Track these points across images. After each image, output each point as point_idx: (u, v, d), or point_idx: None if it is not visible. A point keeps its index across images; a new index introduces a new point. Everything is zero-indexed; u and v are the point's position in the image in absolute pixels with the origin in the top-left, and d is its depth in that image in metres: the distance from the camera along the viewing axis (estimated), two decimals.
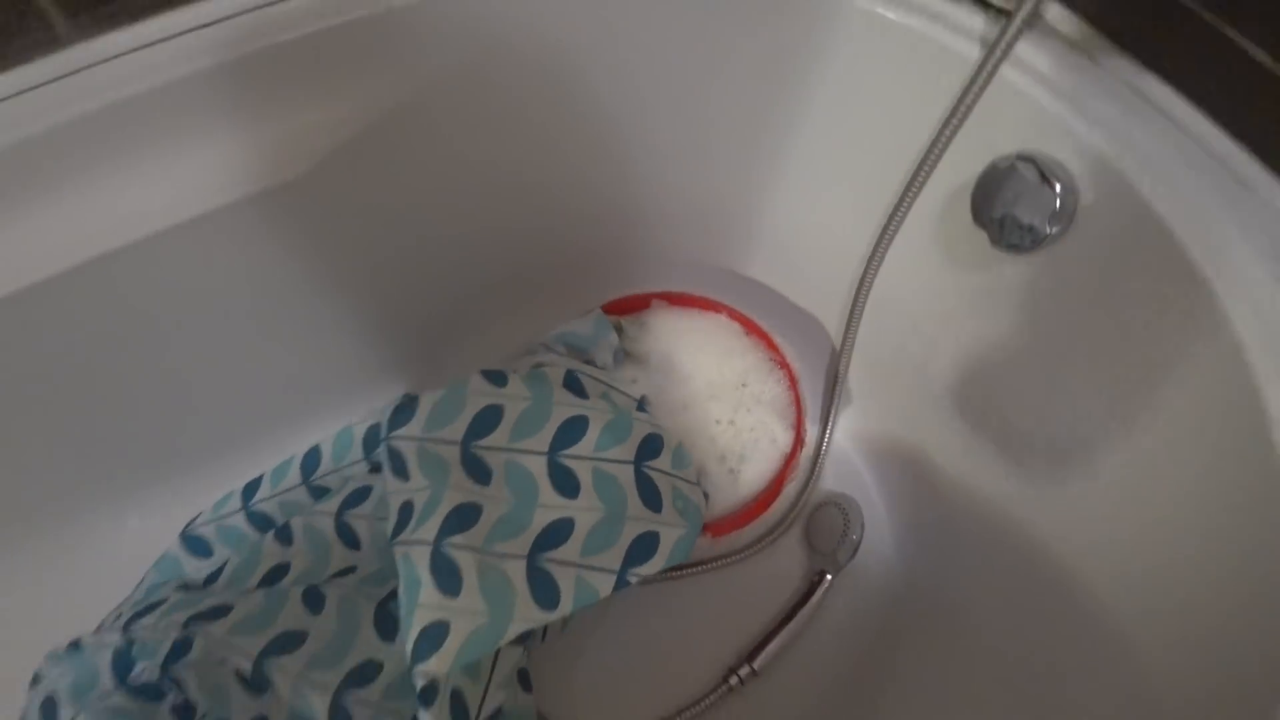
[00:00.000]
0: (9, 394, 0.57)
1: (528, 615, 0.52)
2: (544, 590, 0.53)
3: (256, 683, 0.60)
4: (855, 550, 0.68)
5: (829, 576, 0.67)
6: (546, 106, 0.59)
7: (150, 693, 0.63)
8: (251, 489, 0.76)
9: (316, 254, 0.60)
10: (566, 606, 0.53)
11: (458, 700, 0.54)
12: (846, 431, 0.74)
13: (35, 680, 0.66)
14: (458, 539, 0.53)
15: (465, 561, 0.53)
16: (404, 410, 0.61)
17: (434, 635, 0.50)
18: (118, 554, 0.75)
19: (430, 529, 0.54)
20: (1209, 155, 0.43)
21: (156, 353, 0.60)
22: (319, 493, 0.75)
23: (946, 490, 0.65)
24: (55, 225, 0.48)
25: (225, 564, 0.73)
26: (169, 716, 0.63)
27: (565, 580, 0.54)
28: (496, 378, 0.62)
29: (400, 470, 0.59)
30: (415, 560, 0.53)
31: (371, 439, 0.74)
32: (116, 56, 0.47)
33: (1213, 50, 0.43)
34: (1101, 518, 0.47)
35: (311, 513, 0.71)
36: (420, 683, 0.50)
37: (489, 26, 0.52)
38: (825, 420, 0.73)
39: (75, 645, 0.67)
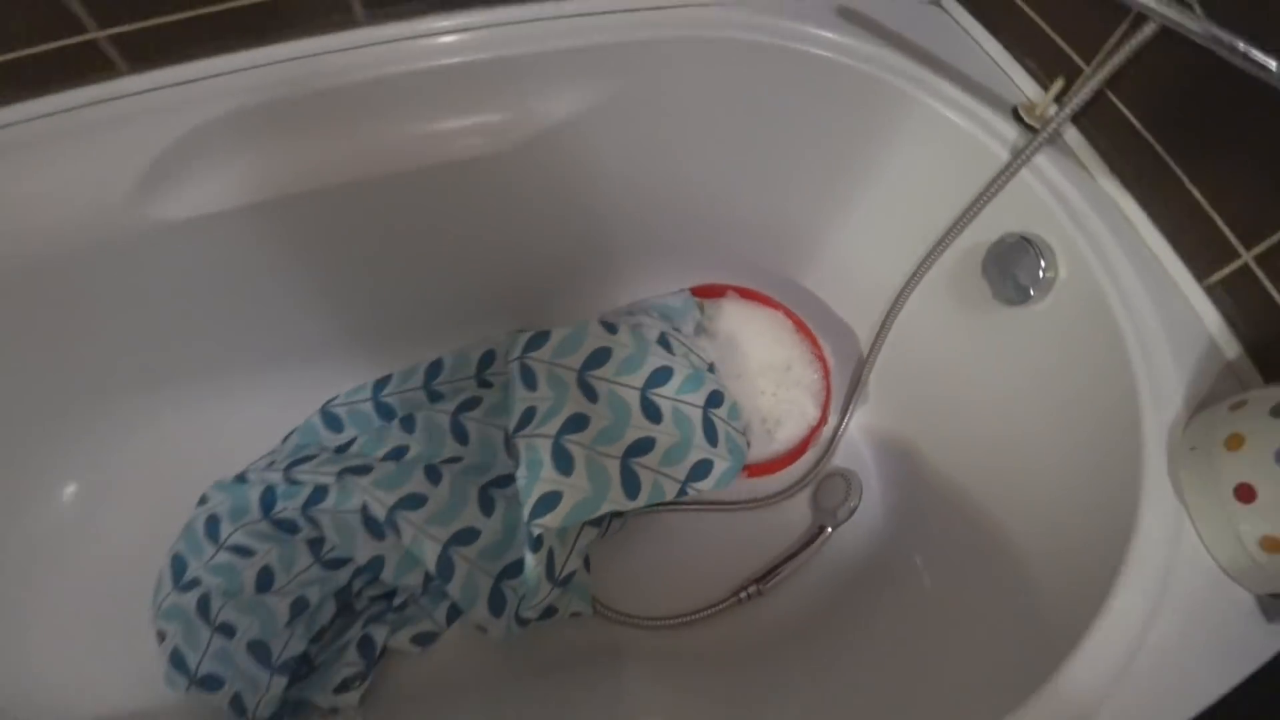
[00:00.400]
0: (250, 275, 0.77)
1: (616, 499, 0.72)
2: (629, 484, 0.73)
3: (379, 529, 0.80)
4: (851, 513, 0.87)
5: (828, 530, 0.87)
6: (690, 139, 0.79)
7: (288, 527, 0.84)
8: (381, 385, 0.95)
9: (490, 211, 0.80)
10: (643, 499, 0.73)
11: (550, 556, 0.74)
12: (860, 422, 0.94)
13: (202, 500, 0.87)
14: (572, 437, 0.74)
15: (577, 453, 0.73)
16: (538, 340, 0.81)
17: (549, 501, 0.71)
18: (273, 413, 0.93)
19: (552, 427, 0.74)
20: (1151, 254, 0.63)
21: (372, 256, 0.79)
22: (435, 396, 0.94)
23: (929, 477, 0.84)
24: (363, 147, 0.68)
25: (354, 439, 0.93)
26: (303, 545, 0.83)
27: (645, 480, 0.74)
28: (610, 327, 0.82)
29: (530, 383, 0.79)
30: (539, 448, 0.73)
31: (485, 360, 0.94)
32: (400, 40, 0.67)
33: (1170, 185, 0.63)
34: (1026, 488, 0.67)
35: (431, 410, 0.91)
36: (535, 533, 0.70)
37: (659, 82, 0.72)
38: (845, 410, 0.92)
39: (241, 478, 0.87)
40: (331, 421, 0.94)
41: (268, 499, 0.84)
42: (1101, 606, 0.48)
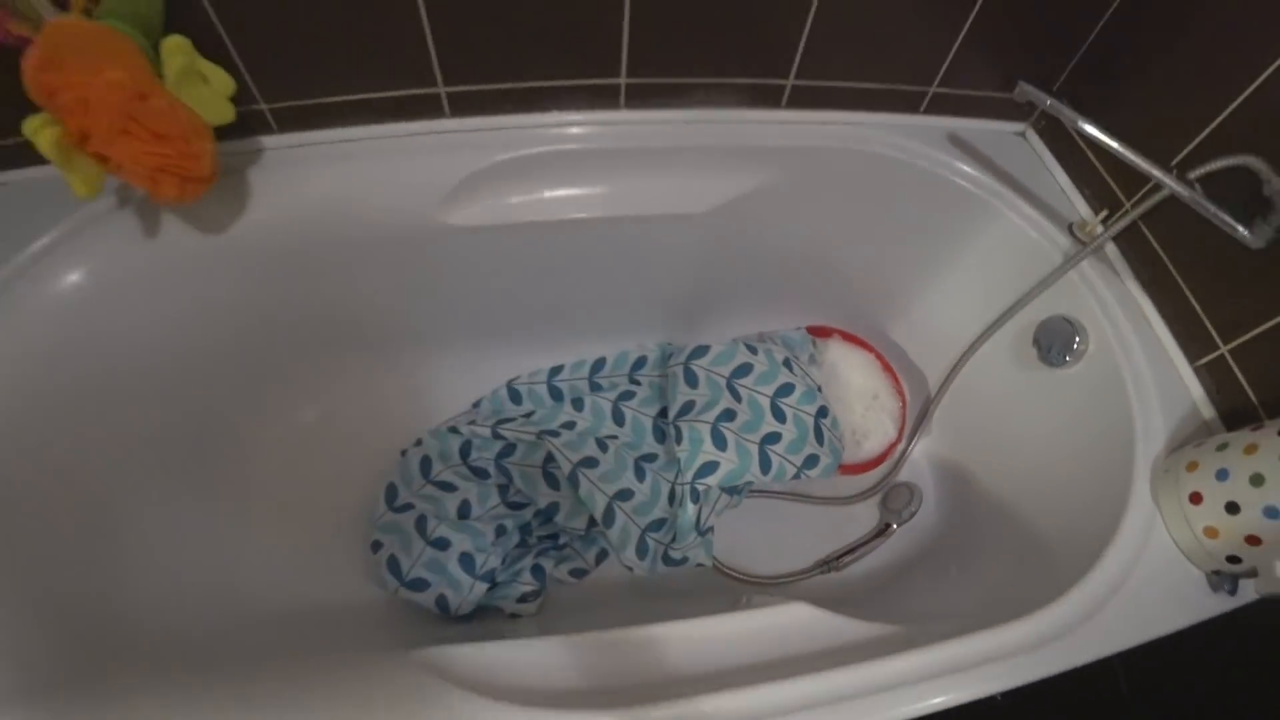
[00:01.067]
0: (490, 275, 1.07)
1: (755, 474, 1.00)
2: (764, 463, 1.01)
3: (555, 481, 1.07)
4: (912, 516, 1.13)
5: (894, 526, 1.13)
6: (827, 218, 1.09)
7: (480, 473, 1.11)
8: (555, 371, 1.23)
9: (675, 251, 1.09)
10: (772, 476, 1.01)
11: (699, 510, 1.01)
12: (923, 446, 1.20)
13: (418, 442, 1.14)
14: (725, 425, 1.02)
15: (729, 437, 1.01)
16: (699, 351, 1.10)
17: (709, 468, 0.98)
18: (468, 381, 1.22)
19: (710, 416, 1.02)
20: (1157, 340, 0.90)
21: (576, 271, 1.08)
22: (596, 387, 1.22)
23: (975, 491, 1.11)
24: (598, 194, 0.98)
25: (533, 411, 1.20)
26: (493, 488, 1.11)
27: (774, 462, 1.02)
28: (751, 349, 1.11)
29: (692, 382, 1.07)
30: (700, 430, 1.01)
31: (638, 364, 1.23)
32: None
33: (1175, 292, 0.90)
34: (1049, 497, 0.93)
35: (594, 396, 1.19)
36: (700, 489, 0.98)
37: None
38: (913, 435, 1.19)
39: (453, 429, 1.15)
40: (514, 395, 1.22)
41: (465, 449, 1.12)
42: (1094, 566, 0.74)
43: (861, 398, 1.17)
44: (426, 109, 0.93)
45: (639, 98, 0.98)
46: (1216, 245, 0.81)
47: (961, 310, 1.13)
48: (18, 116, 0.69)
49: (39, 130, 0.67)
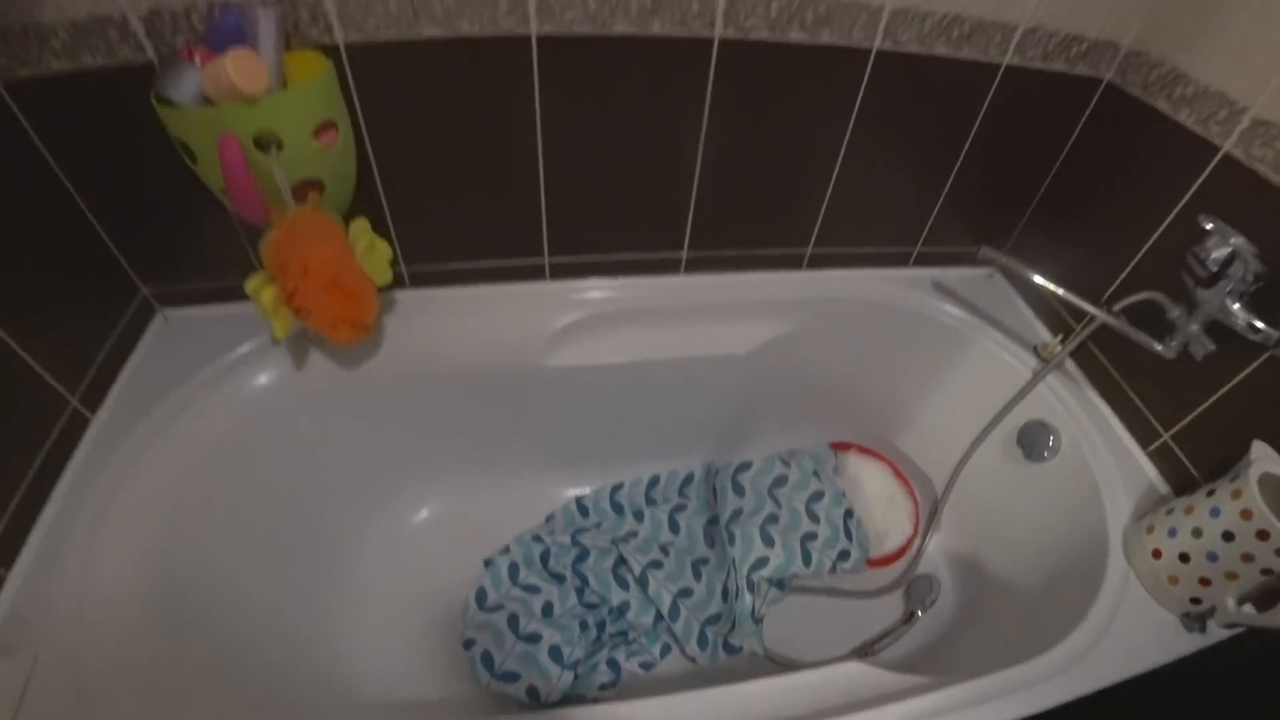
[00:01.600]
0: (572, 406, 1.30)
1: (799, 567, 1.18)
2: (806, 557, 1.20)
3: (625, 582, 1.24)
4: (934, 603, 1.30)
5: (919, 614, 1.29)
6: (843, 353, 1.33)
7: (558, 578, 1.28)
8: (617, 488, 1.43)
9: (722, 386, 1.32)
10: (811, 569, 1.19)
11: (754, 602, 1.18)
12: (938, 541, 1.39)
13: (505, 550, 1.31)
14: (771, 526, 1.21)
15: (775, 536, 1.20)
16: (744, 466, 1.31)
17: (761, 563, 1.17)
18: (539, 500, 1.42)
19: (757, 520, 1.22)
20: (1114, 434, 1.11)
21: (639, 403, 1.31)
22: (651, 501, 1.42)
23: (984, 574, 1.28)
24: (664, 340, 1.23)
25: (600, 523, 1.39)
26: (571, 590, 1.27)
27: (814, 555, 1.20)
28: (785, 462, 1.32)
29: (739, 492, 1.27)
30: (751, 531, 1.20)
31: (686, 480, 1.43)
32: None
33: (1122, 393, 1.13)
34: (1043, 568, 1.11)
35: (651, 509, 1.38)
36: (754, 580, 1.16)
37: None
38: (927, 532, 1.38)
39: (537, 537, 1.33)
40: (582, 509, 1.40)
41: (545, 556, 1.30)
42: (1083, 616, 0.92)
43: (880, 501, 1.37)
44: (532, 274, 1.22)
45: (696, 267, 1.26)
46: (1146, 357, 1.04)
47: (956, 422, 1.35)
48: (238, 271, 0.95)
49: (261, 288, 0.90)
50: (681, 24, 0.94)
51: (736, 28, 0.96)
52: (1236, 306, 0.87)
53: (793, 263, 1.30)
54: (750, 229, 1.22)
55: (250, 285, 0.91)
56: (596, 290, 1.24)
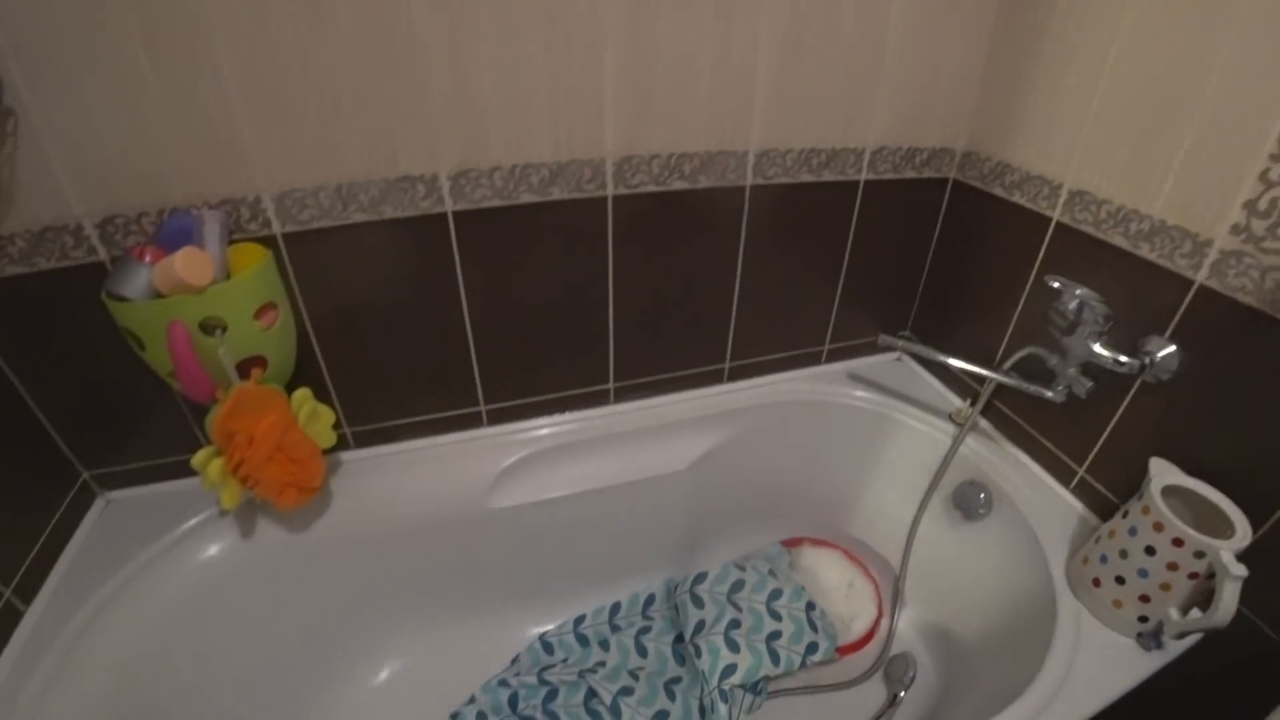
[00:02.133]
0: (523, 545, 1.31)
1: (768, 666, 1.19)
2: (774, 656, 1.21)
3: (599, 713, 1.22)
4: (913, 681, 1.31)
5: (901, 694, 1.30)
6: (780, 453, 1.40)
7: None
8: (579, 620, 1.41)
9: (665, 504, 1.37)
10: (781, 667, 1.20)
11: (732, 709, 1.18)
12: (906, 618, 1.41)
13: (471, 700, 1.28)
14: (734, 632, 1.22)
15: (740, 641, 1.21)
16: (700, 577, 1.33)
17: (730, 669, 1.17)
18: (502, 643, 1.39)
19: (720, 629, 1.23)
20: (1037, 478, 1.20)
21: (589, 531, 1.34)
22: (615, 628, 1.41)
23: (958, 646, 1.31)
24: (601, 469, 1.27)
25: (566, 658, 1.36)
26: None
27: (782, 654, 1.21)
28: (740, 567, 1.35)
29: (699, 604, 1.29)
30: (715, 642, 1.21)
31: (648, 601, 1.43)
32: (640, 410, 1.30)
33: (1034, 440, 1.22)
34: (1004, 615, 1.15)
35: (617, 636, 1.38)
36: (726, 689, 1.15)
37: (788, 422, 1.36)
38: (893, 610, 1.41)
39: (503, 682, 1.30)
40: (547, 647, 1.38)
41: (513, 700, 1.27)
42: (1046, 657, 0.96)
43: (839, 588, 1.40)
44: (470, 422, 1.27)
45: (624, 395, 1.34)
46: (1044, 404, 1.15)
47: (897, 498, 1.42)
48: (183, 448, 1.00)
49: (208, 460, 0.92)
50: (578, 188, 1.07)
51: (626, 185, 1.09)
52: (1098, 346, 0.99)
53: (714, 378, 1.39)
54: (669, 353, 1.33)
55: (197, 459, 0.93)
56: (533, 429, 1.29)
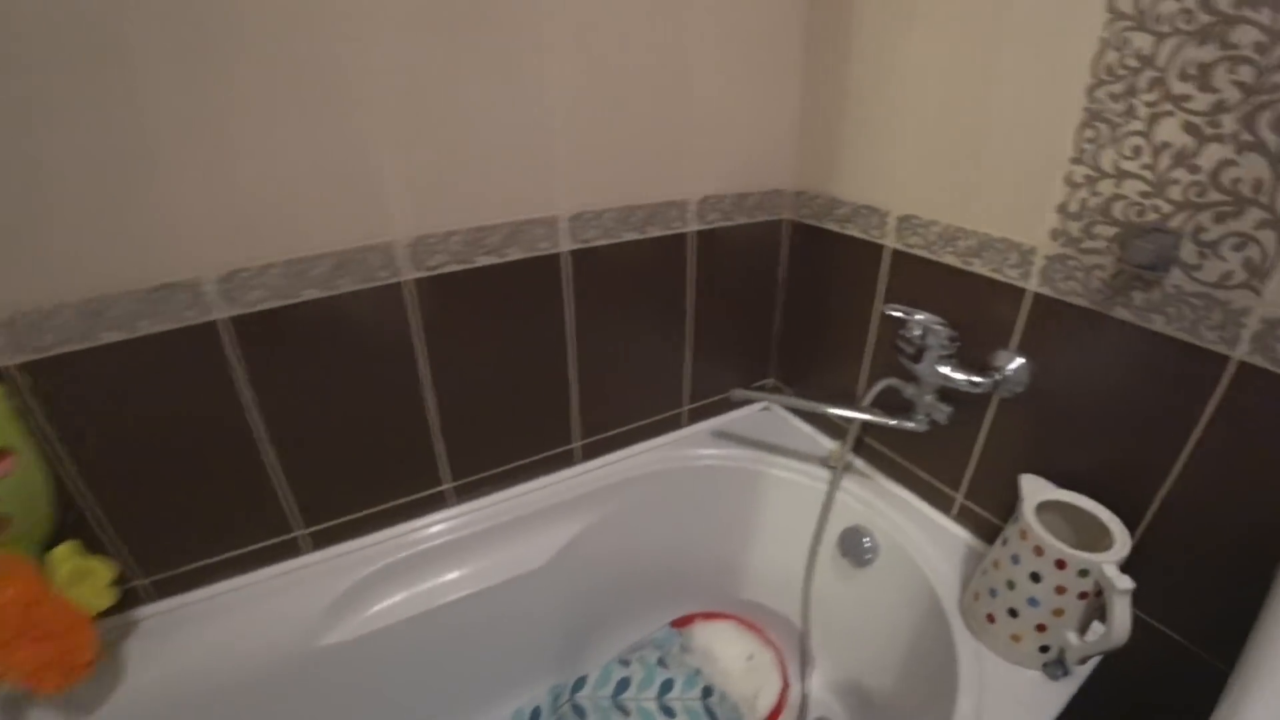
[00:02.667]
0: (374, 678, 1.13)
1: None
2: None
3: None
4: None
5: None
6: (656, 527, 1.29)
7: None
8: None
9: (536, 603, 1.23)
10: None
11: None
12: (819, 678, 1.32)
13: None
14: None
15: None
16: (579, 684, 1.19)
17: None
18: None
19: None
20: (917, 511, 1.15)
21: (443, 653, 1.17)
22: None
23: (874, 702, 1.22)
24: (448, 581, 1.12)
25: None
26: None
27: None
28: (624, 663, 1.22)
29: (581, 715, 1.15)
30: None
31: (534, 716, 1.26)
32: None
33: (909, 472, 1.18)
34: (906, 662, 1.07)
35: None
36: None
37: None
38: (803, 673, 1.31)
39: None
40: None
41: None
42: (954, 702, 0.89)
43: (738, 663, 1.29)
44: (289, 550, 1.08)
45: (466, 494, 1.19)
46: (911, 435, 1.11)
47: (786, 554, 1.34)
48: None
49: None
50: (369, 277, 0.95)
51: (425, 268, 0.99)
52: (948, 370, 0.96)
53: (565, 460, 1.28)
54: (509, 442, 1.20)
55: None
56: (365, 548, 1.12)
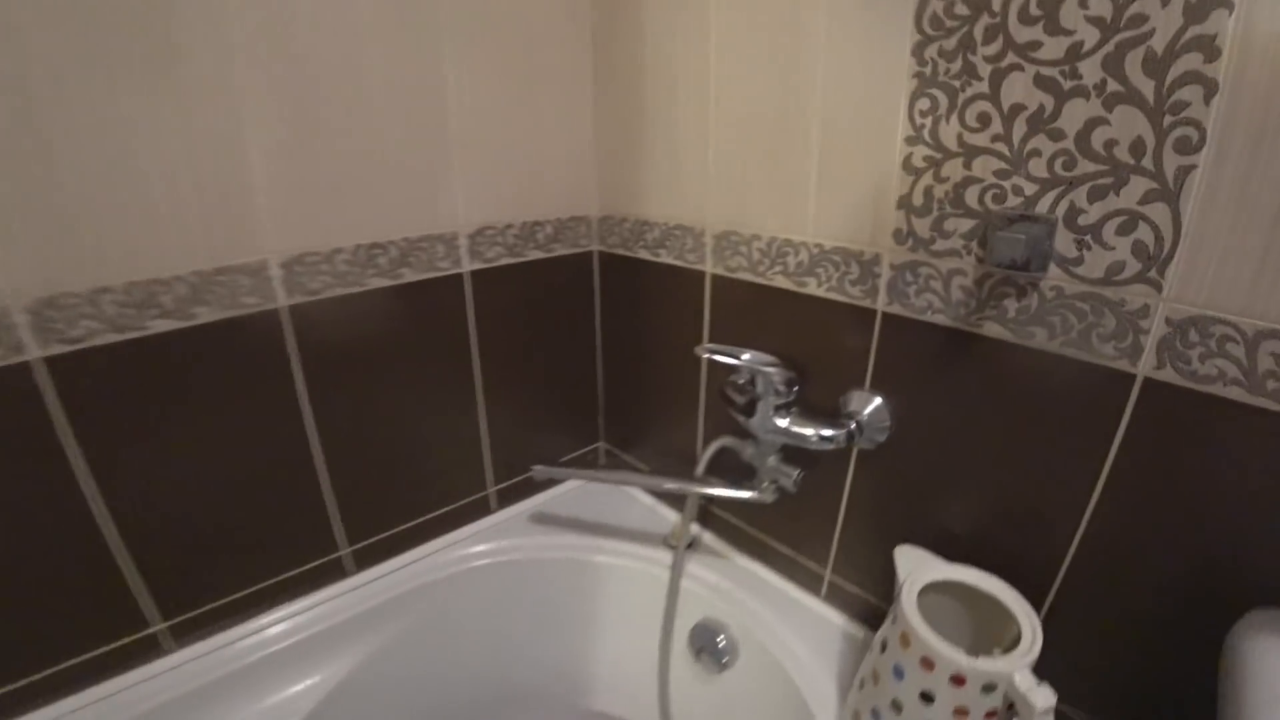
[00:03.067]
0: None
1: None
2: None
3: None
4: None
5: None
6: (472, 631, 0.99)
7: None
8: None
9: None
10: None
11: None
12: None
13: None
14: None
15: None
16: None
17: None
18: None
19: None
20: (781, 593, 0.92)
21: None
22: None
23: None
24: None
25: None
26: None
27: None
28: None
29: None
30: None
31: None
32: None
33: (772, 549, 0.95)
34: None
35: None
36: None
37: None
38: None
39: None
40: None
41: None
42: None
43: None
44: (143, 650, 0.79)
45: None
46: (764, 505, 0.89)
47: (634, 657, 1.08)
48: None
49: None
50: (233, 304, 0.74)
51: (304, 292, 0.78)
52: (787, 422, 0.74)
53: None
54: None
55: None
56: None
